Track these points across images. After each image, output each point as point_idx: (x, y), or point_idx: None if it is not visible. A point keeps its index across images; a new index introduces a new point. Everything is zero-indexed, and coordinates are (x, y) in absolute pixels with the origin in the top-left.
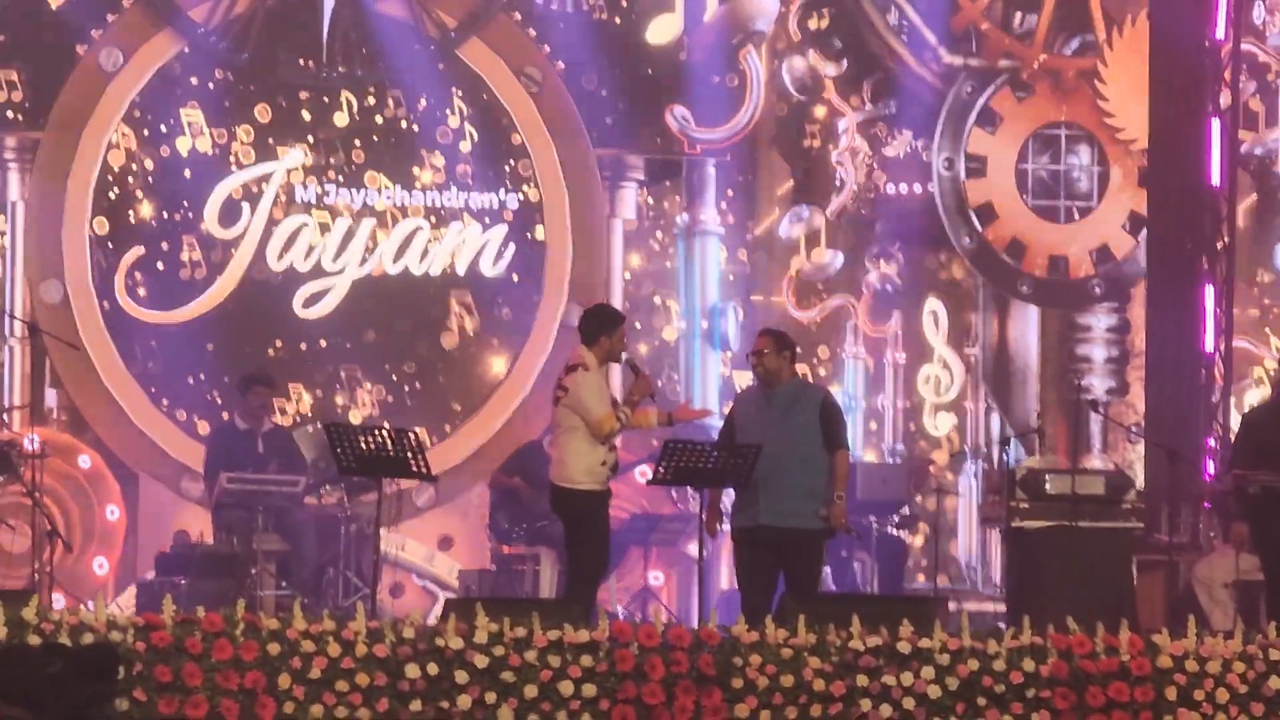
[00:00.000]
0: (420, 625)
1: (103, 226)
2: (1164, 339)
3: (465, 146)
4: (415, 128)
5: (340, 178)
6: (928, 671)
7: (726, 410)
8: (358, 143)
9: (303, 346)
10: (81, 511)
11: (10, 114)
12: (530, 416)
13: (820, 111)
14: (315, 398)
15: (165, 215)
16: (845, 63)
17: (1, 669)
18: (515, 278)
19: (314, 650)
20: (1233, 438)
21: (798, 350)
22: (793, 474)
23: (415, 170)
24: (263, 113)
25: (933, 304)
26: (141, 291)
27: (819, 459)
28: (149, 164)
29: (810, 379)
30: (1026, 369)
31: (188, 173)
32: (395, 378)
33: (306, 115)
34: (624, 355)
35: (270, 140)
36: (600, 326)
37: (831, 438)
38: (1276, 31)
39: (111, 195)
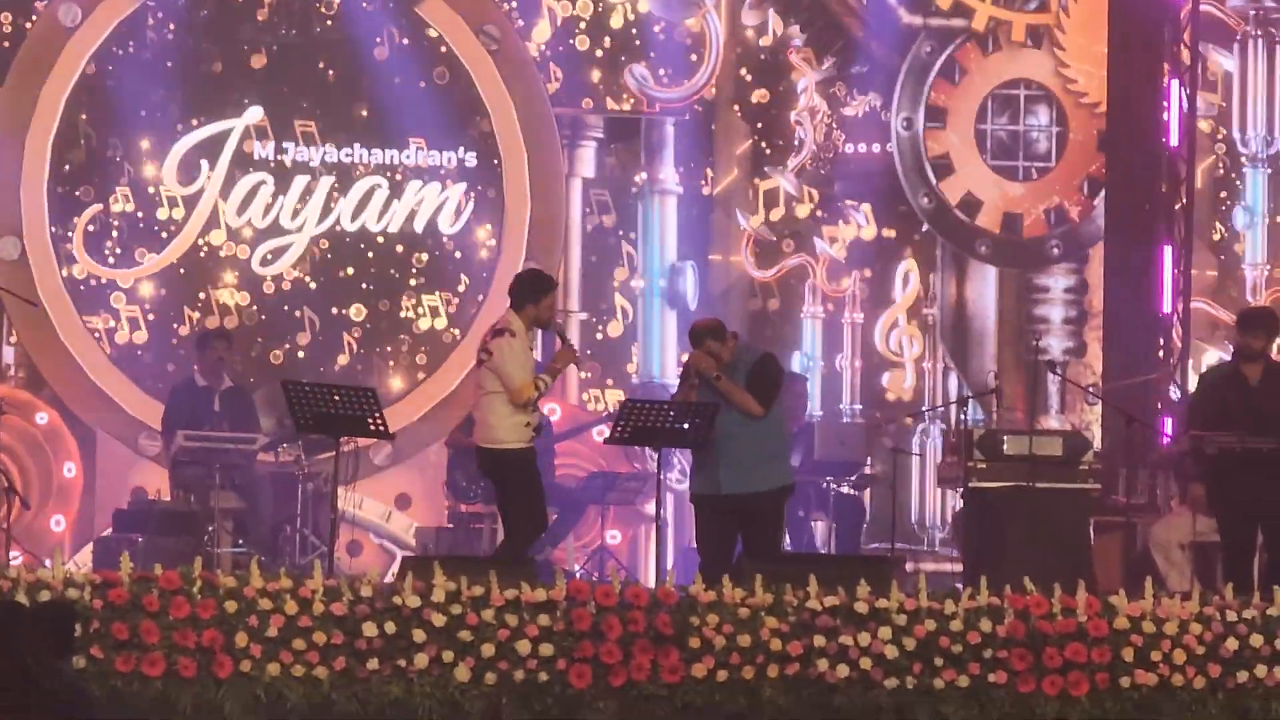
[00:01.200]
0: (378, 583)
1: (60, 183)
2: (1121, 300)
3: (424, 104)
4: (374, 85)
5: (298, 135)
6: (885, 632)
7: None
8: (316, 100)
9: (260, 303)
10: (39, 468)
11: None
12: None
13: (779, 71)
14: (273, 355)
15: (123, 172)
16: (805, 22)
17: None
18: (473, 236)
19: (271, 608)
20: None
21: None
22: (746, 440)
23: (373, 128)
24: (221, 70)
25: (900, 263)
26: (99, 248)
27: (769, 421)
28: (107, 121)
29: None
30: (984, 329)
31: (145, 130)
32: (353, 335)
33: (265, 73)
34: (555, 322)
35: (228, 97)
36: (526, 293)
37: (750, 390)
38: None
39: (69, 152)
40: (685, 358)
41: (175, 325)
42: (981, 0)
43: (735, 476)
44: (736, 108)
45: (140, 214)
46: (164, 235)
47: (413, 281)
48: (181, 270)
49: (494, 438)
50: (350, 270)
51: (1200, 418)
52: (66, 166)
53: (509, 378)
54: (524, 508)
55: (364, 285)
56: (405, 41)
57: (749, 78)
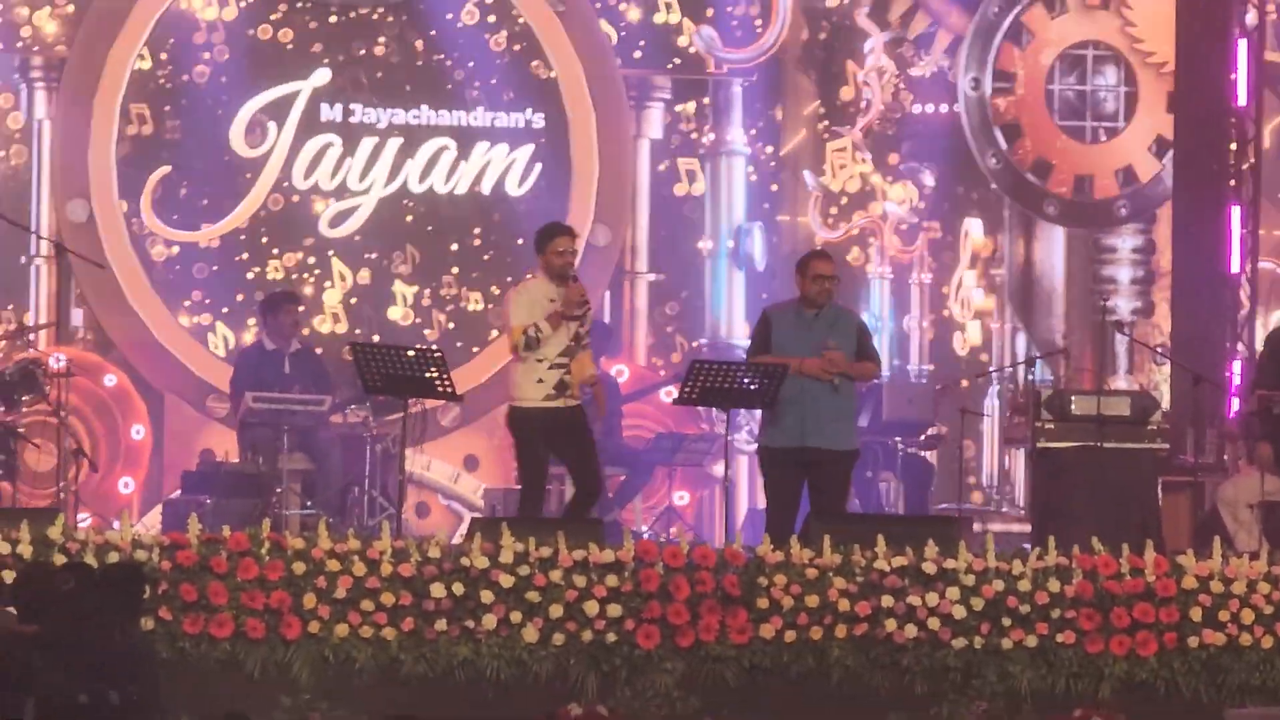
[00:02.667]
0: (446, 545)
1: (129, 145)
2: (1189, 260)
3: (492, 66)
4: (442, 47)
5: (366, 97)
6: (953, 592)
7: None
8: (384, 62)
9: (328, 265)
10: (107, 431)
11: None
12: None
13: (847, 31)
14: (340, 318)
15: (191, 134)
16: None
17: (18, 587)
18: (541, 197)
19: (339, 570)
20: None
21: None
22: (835, 396)
23: (441, 89)
24: (289, 32)
25: (968, 223)
26: (168, 210)
27: (853, 383)
28: (175, 82)
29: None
30: (1052, 289)
31: (214, 91)
32: (421, 297)
33: (333, 34)
34: (570, 270)
35: (297, 59)
36: (537, 243)
37: (866, 356)
38: None
39: (138, 114)
40: (767, 313)
41: (243, 287)
42: None
43: (821, 430)
44: (803, 68)
45: (208, 177)
46: (231, 197)
47: (480, 243)
48: (248, 232)
49: (510, 394)
50: (416, 231)
51: (1267, 377)
52: (134, 128)
53: (504, 322)
54: (523, 473)
55: (430, 247)
56: (473, 4)
57: (816, 38)
